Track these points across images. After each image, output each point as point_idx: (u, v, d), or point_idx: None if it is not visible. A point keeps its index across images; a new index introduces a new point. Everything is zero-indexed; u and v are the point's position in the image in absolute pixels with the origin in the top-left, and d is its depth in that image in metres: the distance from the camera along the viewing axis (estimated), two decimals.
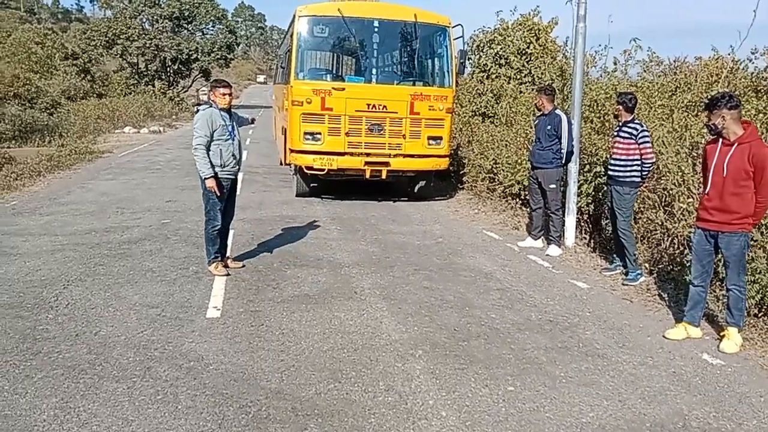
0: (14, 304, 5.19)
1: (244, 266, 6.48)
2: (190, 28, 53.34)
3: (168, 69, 50.57)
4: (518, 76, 14.87)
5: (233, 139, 6.11)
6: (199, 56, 51.16)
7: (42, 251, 6.88)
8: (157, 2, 50.31)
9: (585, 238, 7.89)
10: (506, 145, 10.51)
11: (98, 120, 26.49)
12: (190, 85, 53.08)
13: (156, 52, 48.29)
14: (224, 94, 6.05)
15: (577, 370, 4.30)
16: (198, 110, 6.11)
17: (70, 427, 3.35)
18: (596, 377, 4.21)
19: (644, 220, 7.02)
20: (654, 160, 6.33)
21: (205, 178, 5.95)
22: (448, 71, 10.28)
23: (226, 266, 6.31)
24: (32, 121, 19.72)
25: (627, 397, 3.94)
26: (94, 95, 35.11)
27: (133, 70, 47.79)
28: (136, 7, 49.08)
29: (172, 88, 48.12)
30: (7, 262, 6.41)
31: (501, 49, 15.17)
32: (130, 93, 38.99)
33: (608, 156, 6.99)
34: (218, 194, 6.02)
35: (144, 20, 50.15)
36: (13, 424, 3.37)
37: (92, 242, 7.35)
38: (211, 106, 6.05)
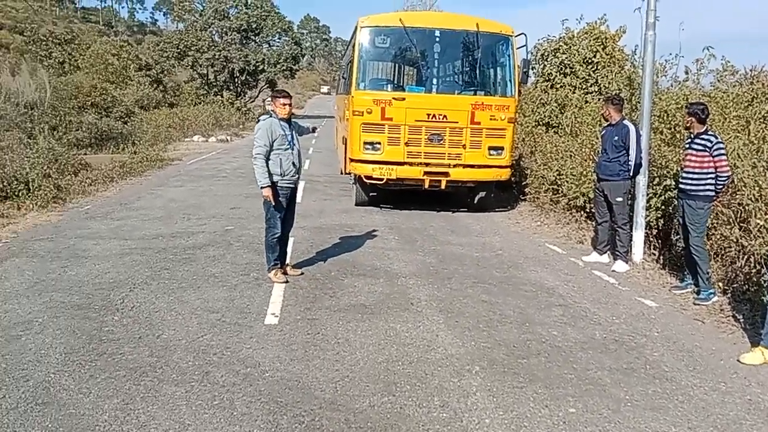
0: (83, 305, 5.39)
1: (302, 274, 6.53)
2: (257, 40, 54.87)
3: (236, 80, 52.15)
4: (584, 86, 14.50)
5: (293, 149, 6.18)
6: (265, 67, 52.52)
7: (111, 254, 7.14)
8: (226, 15, 52.04)
9: (654, 254, 7.56)
10: (571, 155, 10.23)
11: (169, 129, 27.50)
12: (257, 96, 54.51)
13: (225, 64, 49.88)
14: (284, 105, 6.13)
15: (643, 393, 4.10)
16: (259, 120, 6.22)
17: (129, 428, 3.43)
18: (664, 402, 3.99)
19: (718, 236, 6.67)
20: (729, 173, 5.99)
21: (262, 188, 6.04)
22: (510, 80, 10.12)
23: (285, 273, 6.37)
24: (107, 129, 20.61)
25: (697, 424, 3.72)
26: (166, 105, 36.47)
27: (203, 81, 49.55)
28: (207, 19, 50.93)
29: (239, 98, 49.53)
30: (79, 265, 6.68)
31: (566, 57, 14.84)
32: (200, 103, 40.35)
33: (679, 168, 6.70)
34: (273, 203, 6.08)
35: (214, 32, 51.94)
36: (77, 422, 3.48)
37: (159, 247, 7.58)
38: (271, 116, 6.14)
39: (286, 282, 6.19)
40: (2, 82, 20.36)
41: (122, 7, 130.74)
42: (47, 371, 4.09)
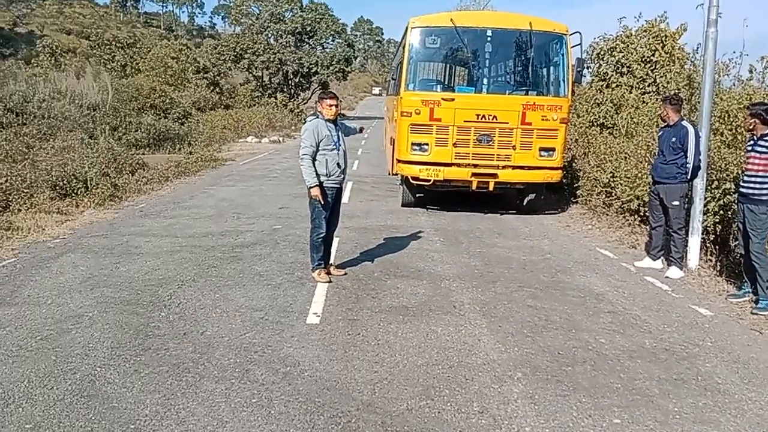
0: (132, 301, 5.54)
1: (345, 274, 6.54)
2: (311, 43, 55.58)
3: (290, 82, 52.97)
4: (641, 86, 14.02)
5: (338, 149, 6.18)
6: (318, 69, 53.13)
7: (162, 252, 7.33)
8: (281, 18, 52.91)
9: (710, 261, 7.23)
10: (625, 157, 9.90)
11: (224, 130, 28.15)
12: (310, 98, 55.16)
13: (279, 66, 50.75)
14: (330, 105, 6.16)
15: (693, 405, 3.90)
16: (306, 121, 6.26)
17: (168, 423, 3.49)
18: (715, 416, 3.79)
19: None
20: None
21: (310, 187, 6.07)
22: (563, 80, 9.89)
23: (328, 273, 6.39)
24: (165, 130, 21.23)
25: None
26: (222, 106, 37.34)
27: (258, 83, 50.52)
28: (263, 23, 51.91)
29: (292, 100, 50.29)
30: (131, 261, 6.88)
31: (623, 56, 14.39)
32: (254, 104, 41.15)
33: (740, 172, 6.37)
34: (322, 202, 6.12)
35: (269, 36, 52.89)
36: (119, 416, 3.56)
37: (208, 245, 7.73)
38: (318, 117, 6.17)
39: (330, 282, 6.21)
40: (68, 84, 21.29)
41: (182, 12, 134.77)
42: (94, 365, 4.21)
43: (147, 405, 3.68)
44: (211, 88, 40.30)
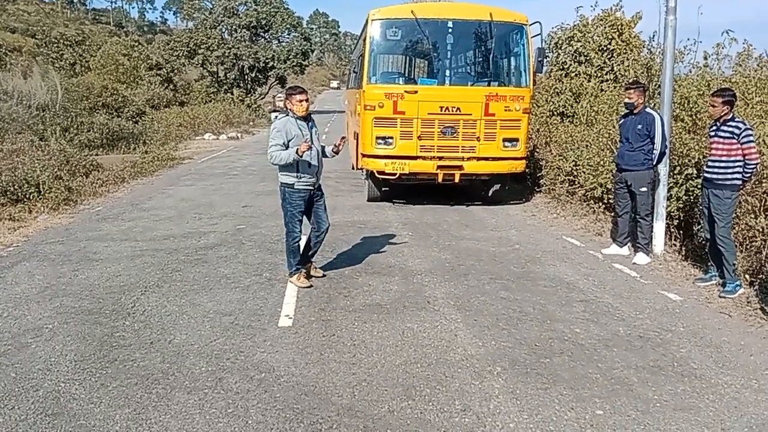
0: (94, 310, 5.30)
1: (324, 276, 6.33)
2: (266, 37, 54.75)
3: (246, 77, 52.08)
4: (599, 74, 14.20)
5: (310, 150, 5.76)
6: (275, 64, 52.39)
7: (122, 257, 7.06)
8: (235, 12, 51.95)
9: (675, 246, 7.35)
10: (587, 145, 10.01)
11: (180, 127, 27.48)
12: (267, 92, 54.43)
13: (234, 61, 49.83)
14: (301, 101, 5.72)
15: (672, 392, 3.92)
16: (276, 118, 5.88)
17: None
18: (694, 401, 3.82)
19: (742, 225, 6.45)
20: (759, 161, 5.77)
21: (297, 151, 5.53)
22: (525, 70, 9.91)
23: (308, 277, 6.12)
24: (118, 129, 20.58)
25: (731, 425, 3.55)
26: (176, 103, 36.47)
27: (213, 79, 49.51)
28: (216, 17, 50.85)
29: (249, 95, 49.46)
30: (90, 268, 6.60)
31: (581, 45, 14.54)
32: (210, 101, 40.29)
33: (702, 157, 6.46)
34: (310, 146, 5.61)
35: (223, 30, 51.87)
36: None
37: (170, 248, 7.48)
38: (287, 115, 5.79)
39: (311, 286, 5.96)
40: (15, 84, 20.41)
41: (132, 8, 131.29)
42: (57, 380, 4.00)
43: (116, 420, 3.50)
44: (165, 85, 39.32)
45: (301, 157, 5.63)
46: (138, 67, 37.70)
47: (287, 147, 5.67)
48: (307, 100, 5.81)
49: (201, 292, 5.81)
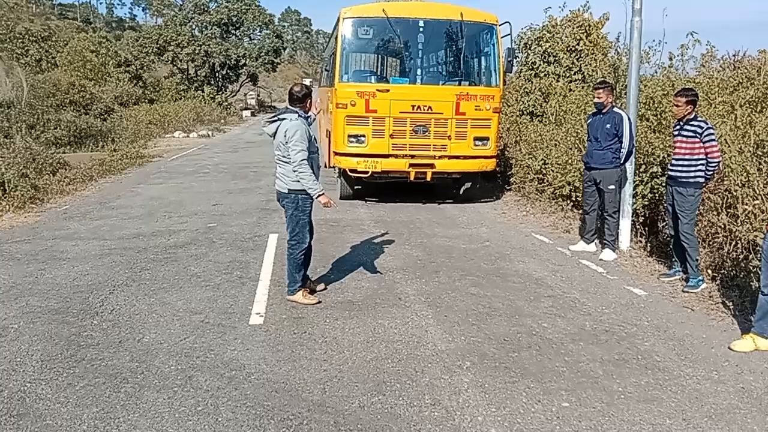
0: (61, 310, 5.22)
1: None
2: (237, 34, 54.32)
3: (217, 74, 51.60)
4: (567, 74, 14.44)
5: (318, 151, 5.55)
6: (246, 61, 52.02)
7: (90, 256, 6.96)
8: (206, 9, 51.42)
9: (640, 242, 7.52)
10: (556, 144, 10.18)
11: (149, 125, 27.14)
12: (238, 90, 54.01)
13: (205, 58, 49.31)
14: (310, 102, 5.46)
15: (636, 384, 4.03)
16: (288, 119, 5.29)
17: None
18: (657, 393, 3.92)
19: (705, 222, 6.63)
20: (720, 159, 5.93)
21: (318, 195, 5.23)
22: (495, 70, 10.02)
23: (312, 291, 5.66)
24: (86, 126, 20.23)
25: (692, 415, 3.65)
26: (146, 101, 36.00)
27: (183, 76, 48.97)
28: (186, 14, 50.32)
29: (220, 93, 49.05)
30: (57, 267, 6.50)
31: (549, 46, 14.76)
32: (180, 98, 39.91)
33: (666, 155, 6.61)
34: (336, 206, 5.35)
35: (193, 27, 51.33)
36: None
37: (139, 246, 7.40)
38: (299, 117, 5.31)
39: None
40: None
41: (100, 3, 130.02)
42: (23, 380, 3.93)
43: (84, 420, 3.46)
44: (134, 81, 38.83)
45: (328, 205, 5.33)
46: (106, 64, 37.16)
47: (307, 151, 5.24)
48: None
49: (171, 291, 5.76)
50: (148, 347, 4.49)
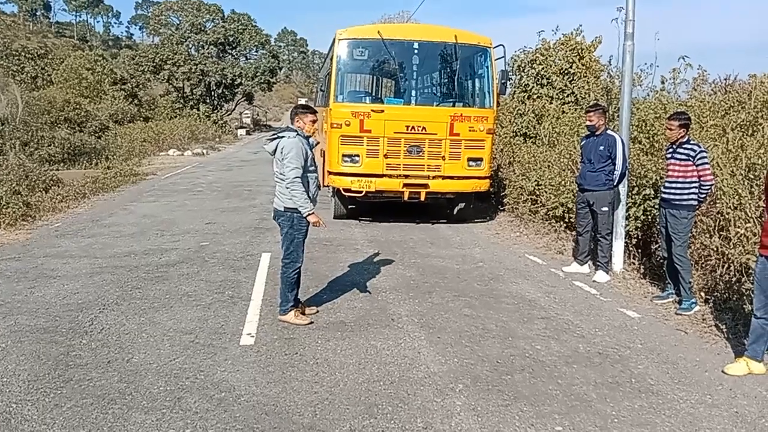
0: (50, 329, 5.16)
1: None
2: (234, 54, 54.71)
3: (212, 93, 51.84)
4: (560, 96, 14.57)
5: (316, 170, 5.55)
6: (242, 81, 52.31)
7: (81, 274, 6.90)
8: (203, 29, 51.79)
9: (633, 264, 7.52)
10: (549, 166, 10.22)
11: (144, 143, 27.16)
12: (234, 109, 54.22)
13: (201, 77, 49.60)
14: (313, 122, 5.42)
15: (629, 408, 4.00)
16: (286, 137, 5.31)
17: None
18: (651, 417, 3.89)
19: (698, 245, 6.64)
20: (713, 182, 5.97)
21: (308, 214, 5.27)
22: (489, 92, 10.10)
23: (304, 313, 5.59)
24: (80, 144, 20.20)
25: None
26: (141, 119, 36.04)
27: (179, 95, 49.19)
28: (183, 33, 50.64)
29: (216, 111, 49.22)
30: (47, 285, 6.44)
31: (542, 68, 14.91)
32: (176, 116, 40.01)
33: (659, 178, 6.64)
34: (326, 226, 5.34)
35: (190, 46, 51.65)
36: None
37: (131, 265, 7.35)
38: (298, 134, 5.34)
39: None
40: None
41: (97, 22, 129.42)
42: (8, 401, 3.87)
43: None
44: (130, 99, 38.85)
45: (311, 223, 5.37)
46: (102, 82, 37.20)
47: (303, 169, 5.28)
48: (316, 120, 5.56)
49: (161, 310, 5.71)
50: (137, 368, 4.43)
